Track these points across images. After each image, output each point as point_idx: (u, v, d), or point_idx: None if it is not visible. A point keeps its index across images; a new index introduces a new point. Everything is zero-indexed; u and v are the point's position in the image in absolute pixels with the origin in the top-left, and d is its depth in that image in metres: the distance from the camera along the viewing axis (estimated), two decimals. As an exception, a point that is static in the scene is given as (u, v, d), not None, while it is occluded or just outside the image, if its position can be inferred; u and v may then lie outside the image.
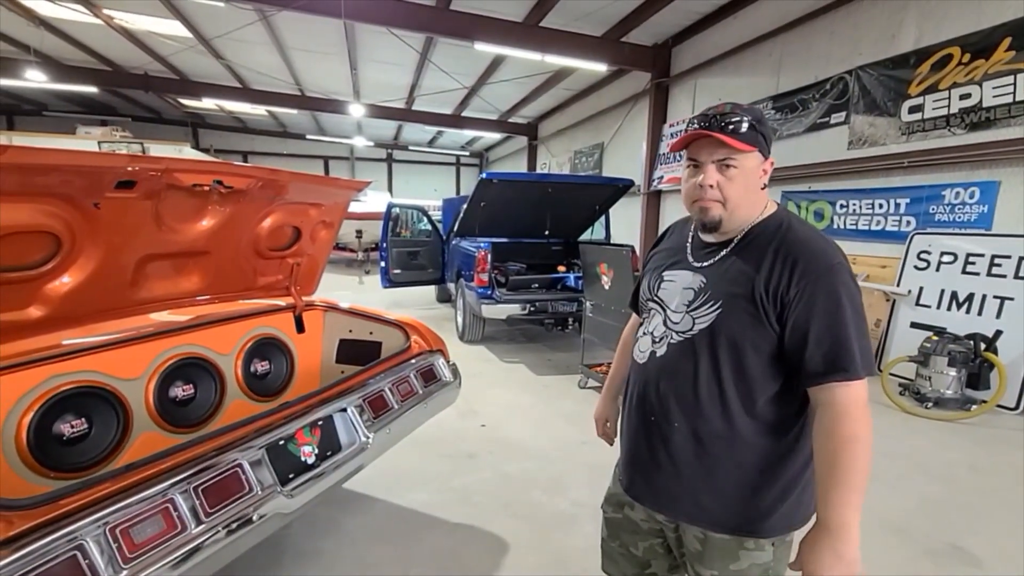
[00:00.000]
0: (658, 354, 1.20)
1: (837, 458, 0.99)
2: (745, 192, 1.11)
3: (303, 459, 1.62)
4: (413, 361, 2.33)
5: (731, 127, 1.07)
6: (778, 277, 1.05)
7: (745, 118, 1.08)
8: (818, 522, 1.01)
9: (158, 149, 11.33)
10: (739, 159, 1.08)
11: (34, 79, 10.56)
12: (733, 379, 1.10)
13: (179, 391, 2.23)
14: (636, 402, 1.26)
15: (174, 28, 9.04)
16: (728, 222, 1.13)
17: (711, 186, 1.10)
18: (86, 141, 11.10)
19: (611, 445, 1.57)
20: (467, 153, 22.47)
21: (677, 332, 1.17)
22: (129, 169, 1.60)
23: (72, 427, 1.84)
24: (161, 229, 1.90)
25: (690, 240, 1.25)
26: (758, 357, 1.08)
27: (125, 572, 1.11)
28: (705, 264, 1.18)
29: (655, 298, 1.26)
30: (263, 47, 10.01)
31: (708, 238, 1.20)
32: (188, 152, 12.36)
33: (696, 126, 1.10)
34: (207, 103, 14.27)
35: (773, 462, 1.11)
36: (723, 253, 1.15)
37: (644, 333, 1.27)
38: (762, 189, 1.14)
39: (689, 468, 1.15)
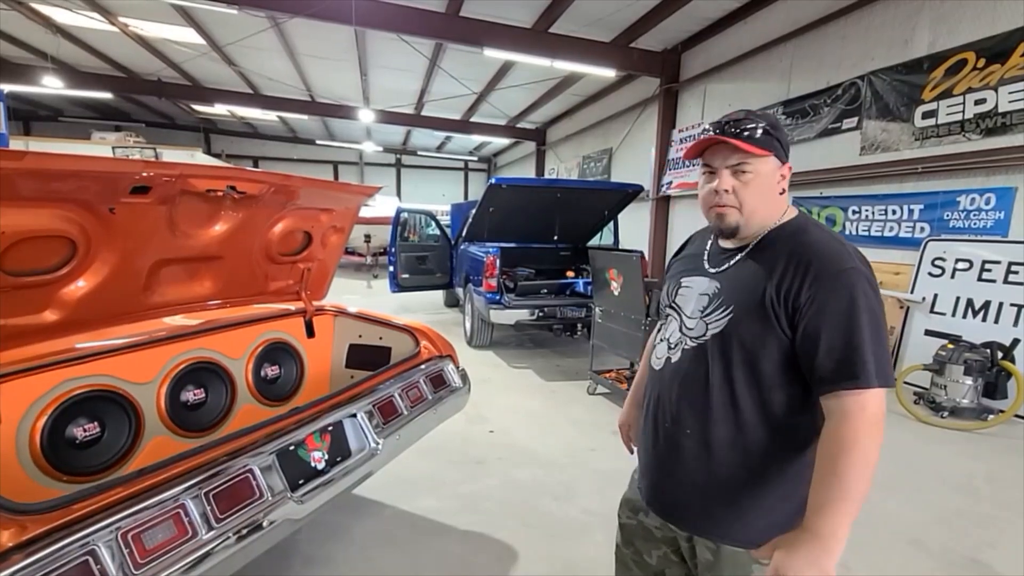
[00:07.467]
0: (673, 360, 1.21)
1: (835, 463, 0.94)
2: (761, 197, 1.11)
3: (313, 465, 1.62)
4: (423, 366, 2.32)
5: (745, 133, 1.08)
6: (790, 281, 1.03)
7: (760, 124, 1.09)
8: (804, 524, 0.96)
9: (171, 154, 11.44)
10: (753, 164, 1.09)
11: (51, 85, 10.76)
12: (746, 386, 1.08)
13: (190, 395, 2.24)
14: (651, 409, 1.26)
15: (188, 35, 9.17)
16: (745, 227, 1.13)
17: (726, 191, 1.11)
18: (101, 146, 11.23)
19: (631, 453, 1.55)
20: (475, 158, 22.54)
21: (691, 338, 1.17)
22: (144, 175, 1.62)
23: (85, 431, 1.85)
24: (175, 234, 1.91)
25: (708, 247, 1.25)
26: (771, 363, 1.06)
27: (136, 578, 1.10)
28: (720, 270, 1.18)
29: (672, 304, 1.27)
30: (274, 54, 10.12)
31: (726, 244, 1.20)
32: (200, 157, 12.48)
33: (710, 133, 1.12)
34: (219, 109, 14.44)
35: (791, 477, 1.08)
36: (738, 258, 1.15)
37: (661, 339, 1.28)
38: (780, 195, 1.14)
39: (701, 476, 1.14)
